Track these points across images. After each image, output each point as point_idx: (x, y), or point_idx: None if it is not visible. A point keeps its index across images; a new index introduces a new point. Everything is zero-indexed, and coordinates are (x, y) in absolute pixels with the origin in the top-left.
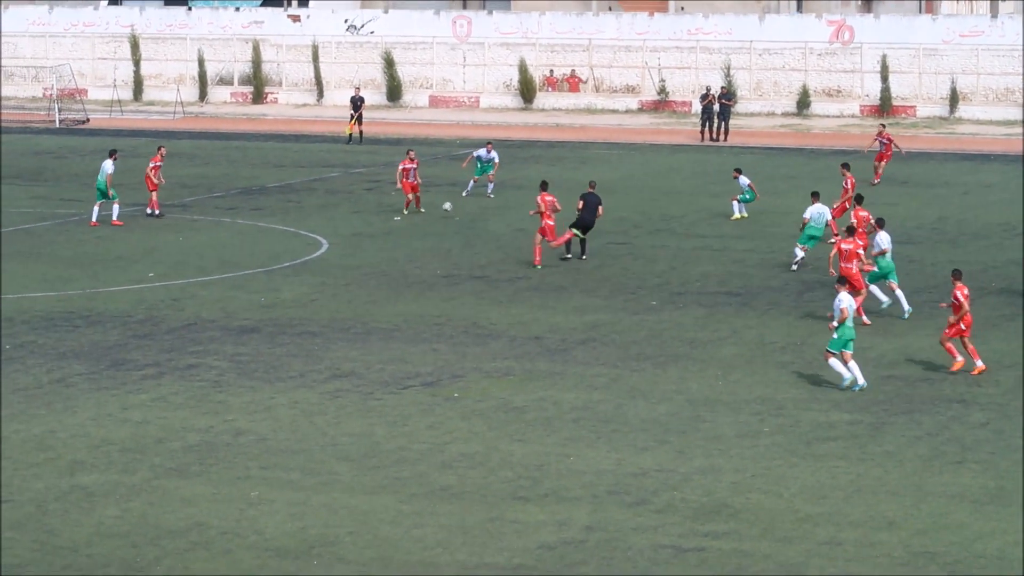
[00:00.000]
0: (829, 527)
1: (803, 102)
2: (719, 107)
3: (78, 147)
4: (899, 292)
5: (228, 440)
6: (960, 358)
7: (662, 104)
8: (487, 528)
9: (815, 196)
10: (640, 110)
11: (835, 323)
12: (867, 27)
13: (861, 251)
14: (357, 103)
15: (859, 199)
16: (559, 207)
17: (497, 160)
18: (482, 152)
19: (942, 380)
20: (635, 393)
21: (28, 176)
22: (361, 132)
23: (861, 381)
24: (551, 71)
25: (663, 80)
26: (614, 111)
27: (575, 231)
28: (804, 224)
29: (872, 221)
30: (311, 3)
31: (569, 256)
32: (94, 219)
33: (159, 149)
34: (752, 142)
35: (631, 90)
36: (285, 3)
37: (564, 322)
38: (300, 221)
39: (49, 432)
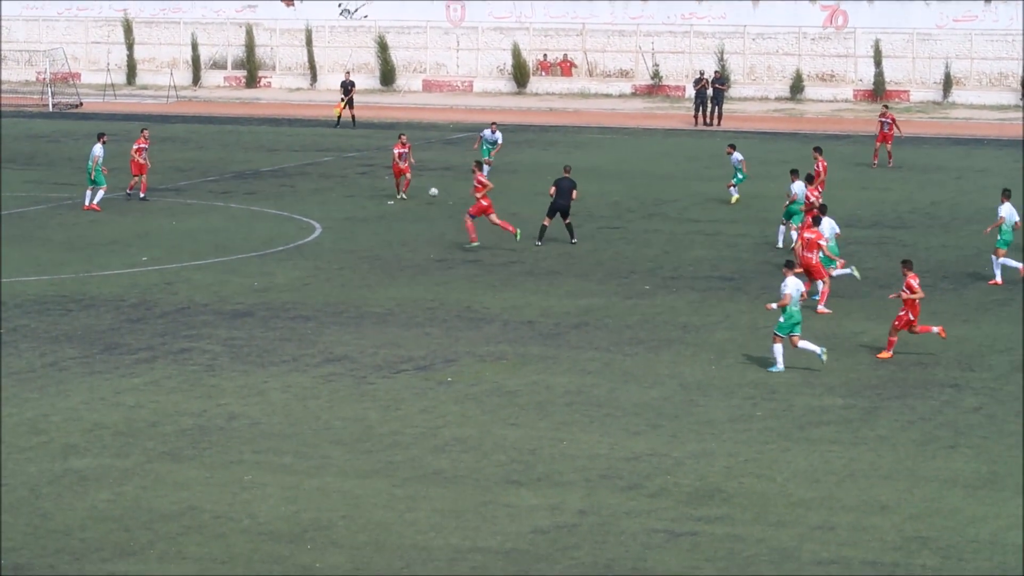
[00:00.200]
0: (822, 511)
1: (797, 87)
2: (713, 91)
3: (71, 131)
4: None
5: (221, 424)
6: (891, 353)
7: (656, 89)
8: (480, 512)
9: (794, 174)
10: (634, 94)
11: (773, 305)
12: (861, 12)
13: (823, 241)
14: (348, 87)
15: (809, 179)
16: (491, 185)
17: (500, 141)
18: (487, 132)
19: (935, 365)
20: (628, 377)
21: (21, 160)
22: (353, 116)
23: (818, 350)
24: (544, 55)
25: (657, 64)
26: (608, 95)
27: (549, 219)
28: (792, 200)
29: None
30: None
31: (540, 243)
32: (87, 203)
33: (142, 132)
34: (746, 127)
35: (625, 74)
36: None
37: (557, 306)
38: (294, 205)
39: (42, 416)
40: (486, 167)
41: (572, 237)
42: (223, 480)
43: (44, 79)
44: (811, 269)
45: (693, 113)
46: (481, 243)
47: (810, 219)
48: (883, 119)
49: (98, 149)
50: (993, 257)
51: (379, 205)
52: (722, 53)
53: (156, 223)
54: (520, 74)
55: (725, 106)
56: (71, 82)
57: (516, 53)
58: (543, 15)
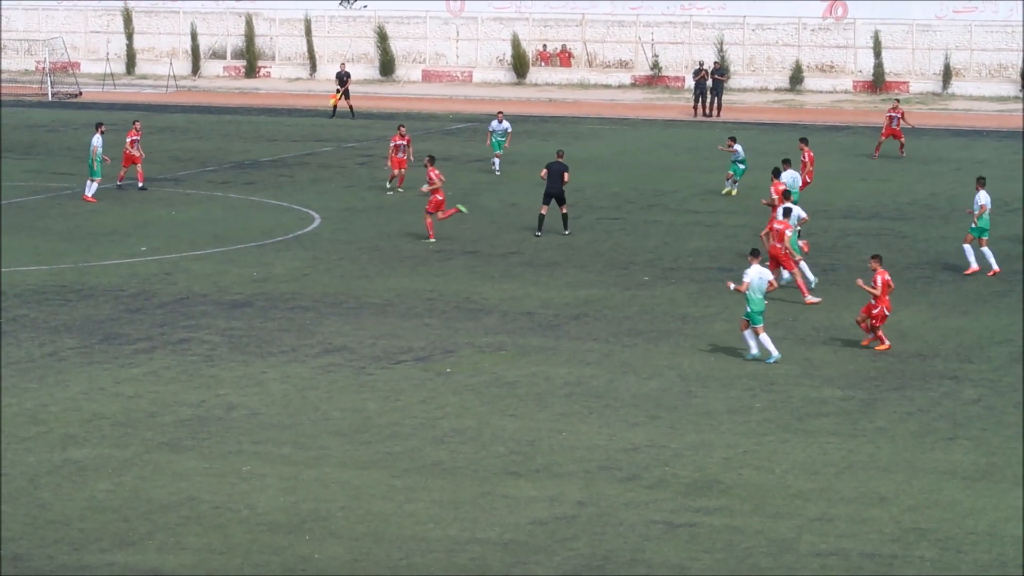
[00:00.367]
0: (820, 503)
1: (796, 78)
2: (712, 82)
3: (70, 120)
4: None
5: (220, 414)
6: (873, 339)
7: (655, 79)
8: (479, 503)
9: (787, 163)
10: (633, 85)
11: (732, 285)
12: (860, 2)
13: (789, 231)
14: (343, 78)
15: (776, 172)
16: (443, 179)
17: (510, 129)
18: (495, 124)
19: (934, 356)
20: (627, 368)
21: (20, 149)
22: (351, 107)
23: (755, 351)
24: (544, 46)
25: (656, 55)
26: (607, 86)
27: (546, 206)
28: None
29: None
30: None
31: (539, 234)
32: (87, 193)
33: (134, 123)
34: (745, 117)
35: (624, 65)
36: None
37: (556, 297)
38: (293, 195)
39: (41, 406)
40: (496, 160)
41: (566, 228)
42: (222, 471)
43: (43, 68)
44: (780, 258)
45: (692, 104)
46: (480, 234)
47: (780, 209)
48: (893, 113)
49: (97, 139)
50: (965, 245)
51: (378, 196)
52: (721, 44)
53: (155, 213)
54: (520, 64)
55: (725, 97)
56: (70, 71)
57: (516, 43)
58: (543, 5)
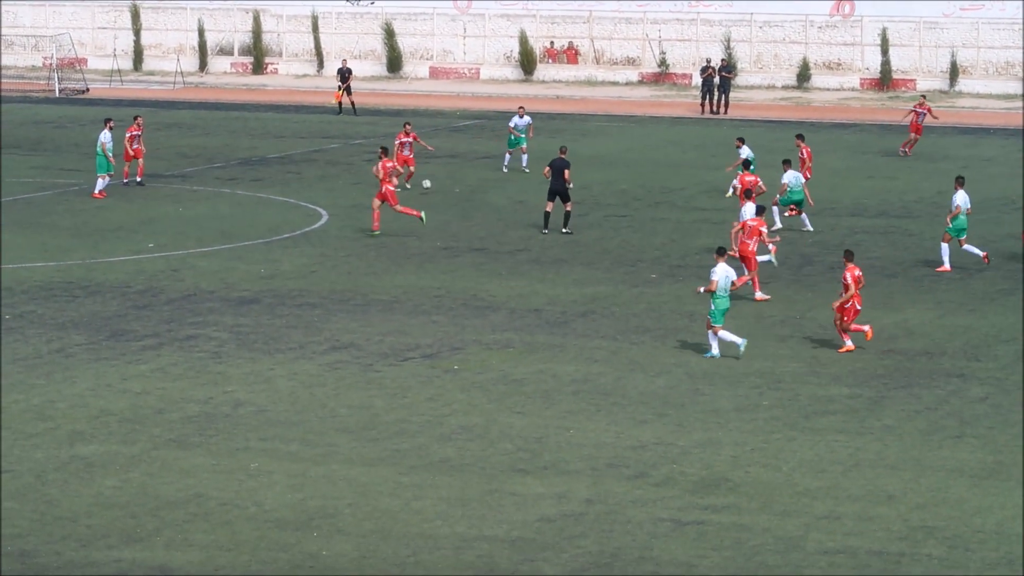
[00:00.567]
0: (828, 501)
1: (803, 75)
2: (719, 80)
3: (78, 117)
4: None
5: (227, 411)
6: (850, 343)
7: (662, 76)
8: (486, 500)
9: (787, 163)
10: (640, 82)
11: (701, 289)
12: (868, 0)
13: (764, 228)
14: (345, 74)
15: (746, 165)
16: (402, 170)
17: (531, 123)
18: (516, 119)
19: (941, 354)
20: (634, 366)
21: (28, 146)
22: (353, 103)
23: (716, 351)
24: (551, 43)
25: (663, 52)
26: (614, 83)
27: (551, 203)
28: (784, 190)
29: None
30: None
31: (547, 231)
32: (95, 190)
33: (135, 119)
34: (752, 115)
35: (631, 62)
36: None
37: (564, 294)
38: (300, 192)
39: (48, 402)
40: (524, 156)
41: (564, 225)
42: (229, 467)
43: (51, 65)
44: (747, 257)
45: (700, 101)
46: (487, 231)
47: (748, 206)
48: (920, 109)
49: (105, 135)
50: (943, 244)
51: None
52: (729, 41)
53: (162, 209)
54: (527, 61)
55: (732, 94)
56: (77, 68)
57: (523, 40)
58: (550, 2)
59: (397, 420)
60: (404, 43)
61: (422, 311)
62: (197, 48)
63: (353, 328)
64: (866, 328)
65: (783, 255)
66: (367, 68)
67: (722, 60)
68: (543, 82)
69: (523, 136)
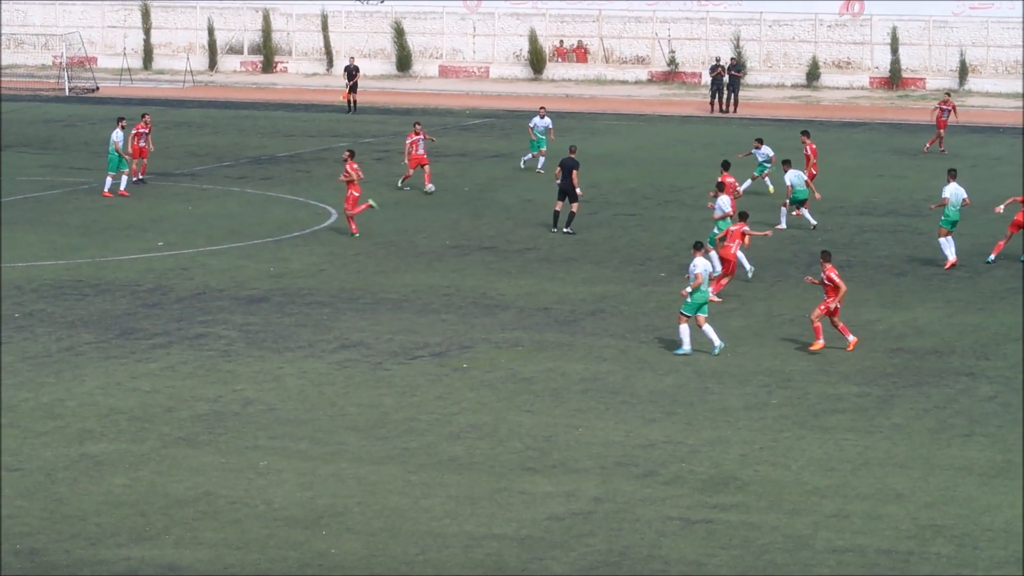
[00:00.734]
0: (837, 499)
1: (813, 74)
2: (729, 78)
3: (87, 115)
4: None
5: (237, 410)
6: (822, 340)
7: (672, 75)
8: (495, 499)
9: (787, 164)
10: (650, 81)
11: (689, 289)
12: None
13: (746, 228)
14: (352, 72)
15: (726, 165)
16: (362, 175)
17: (551, 125)
18: (536, 120)
19: (950, 353)
20: (643, 365)
21: (37, 144)
22: (356, 101)
23: (718, 343)
24: (560, 41)
25: (673, 51)
26: (624, 82)
27: (560, 202)
28: (790, 191)
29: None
30: None
31: (556, 230)
32: (117, 189)
33: (143, 116)
34: (762, 114)
35: (641, 61)
36: None
37: (573, 293)
38: (309, 191)
39: (58, 401)
40: (541, 158)
41: (567, 224)
42: (238, 466)
43: (60, 63)
44: (728, 259)
45: (709, 100)
46: (496, 230)
47: (727, 199)
48: (944, 106)
49: (117, 134)
50: (940, 240)
51: (394, 191)
52: (738, 40)
53: (172, 208)
54: (536, 60)
55: (741, 93)
56: (87, 66)
57: (532, 39)
58: (559, 1)
59: (406, 418)
60: (413, 42)
61: (431, 310)
62: (207, 47)
63: (362, 326)
64: (822, 340)
65: (792, 253)
66: (376, 67)
67: (731, 59)
68: (552, 81)
69: (543, 138)
